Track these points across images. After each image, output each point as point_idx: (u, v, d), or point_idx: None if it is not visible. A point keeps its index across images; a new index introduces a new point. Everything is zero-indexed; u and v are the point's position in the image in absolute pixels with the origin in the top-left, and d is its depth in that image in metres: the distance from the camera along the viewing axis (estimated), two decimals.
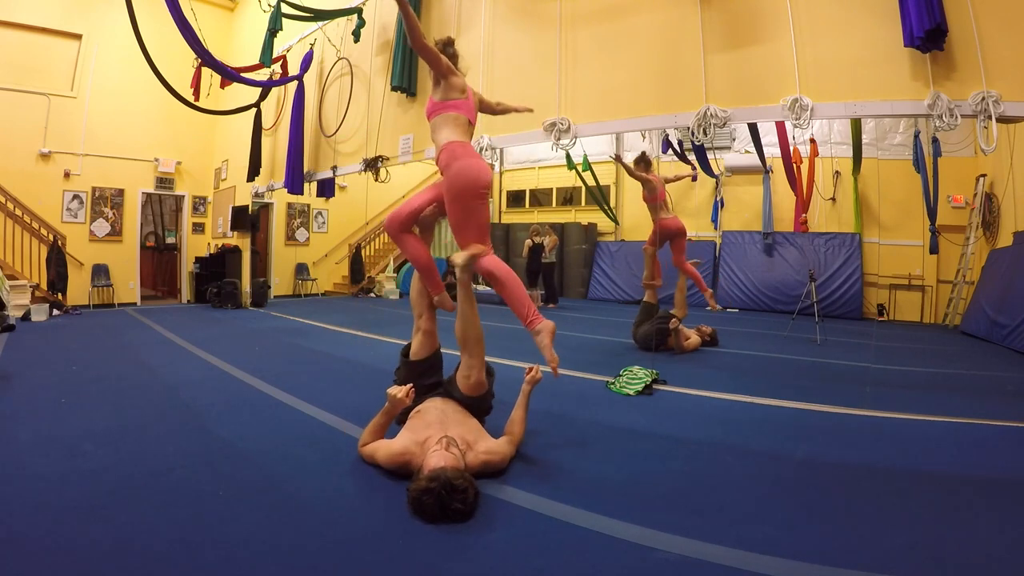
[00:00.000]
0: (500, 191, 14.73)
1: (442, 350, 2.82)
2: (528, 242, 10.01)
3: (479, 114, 2.92)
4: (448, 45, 2.83)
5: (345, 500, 2.04)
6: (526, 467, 2.36)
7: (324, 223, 12.53)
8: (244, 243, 9.63)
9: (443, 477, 1.83)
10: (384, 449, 2.22)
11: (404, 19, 2.57)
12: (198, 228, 10.78)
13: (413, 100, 6.24)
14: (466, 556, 1.65)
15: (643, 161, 5.72)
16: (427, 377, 2.67)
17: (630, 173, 5.70)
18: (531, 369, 2.66)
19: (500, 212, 14.65)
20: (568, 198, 13.42)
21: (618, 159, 5.90)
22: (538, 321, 2.55)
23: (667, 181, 6.03)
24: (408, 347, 2.78)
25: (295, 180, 7.68)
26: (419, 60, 6.11)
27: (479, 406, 2.60)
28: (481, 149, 5.20)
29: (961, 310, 8.20)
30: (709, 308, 6.15)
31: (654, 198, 5.66)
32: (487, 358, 2.71)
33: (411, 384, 2.46)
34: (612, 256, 12.05)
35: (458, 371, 2.60)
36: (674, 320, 5.25)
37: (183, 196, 10.55)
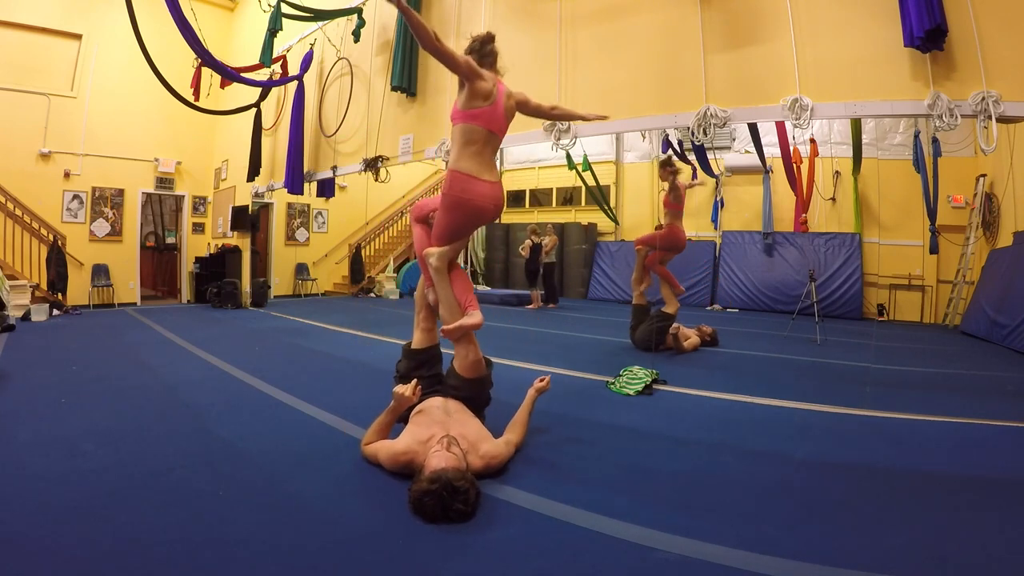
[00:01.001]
0: None
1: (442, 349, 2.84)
2: (528, 241, 10.00)
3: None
4: (486, 43, 2.62)
5: (345, 500, 2.04)
6: (526, 467, 2.36)
7: (324, 223, 12.53)
8: (244, 243, 9.63)
9: (444, 478, 1.83)
10: (386, 450, 2.22)
11: (409, 24, 2.36)
12: (198, 228, 10.78)
13: (413, 100, 6.24)
14: (466, 556, 1.65)
15: (671, 165, 5.69)
16: (427, 368, 2.70)
17: (668, 178, 5.61)
18: (542, 379, 2.67)
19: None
20: (568, 198, 13.42)
21: (668, 163, 5.73)
22: (473, 308, 2.60)
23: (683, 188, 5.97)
24: (410, 343, 2.83)
25: (295, 180, 7.69)
26: (420, 60, 6.11)
27: (479, 394, 2.63)
28: None
29: (961, 310, 8.20)
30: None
31: (679, 205, 5.61)
32: (490, 357, 2.75)
33: (416, 381, 2.47)
34: (612, 256, 12.05)
35: (454, 359, 2.63)
36: (675, 325, 5.23)
37: (183, 196, 10.55)
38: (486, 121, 2.54)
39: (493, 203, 2.61)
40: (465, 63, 2.49)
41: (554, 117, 3.04)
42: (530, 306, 9.85)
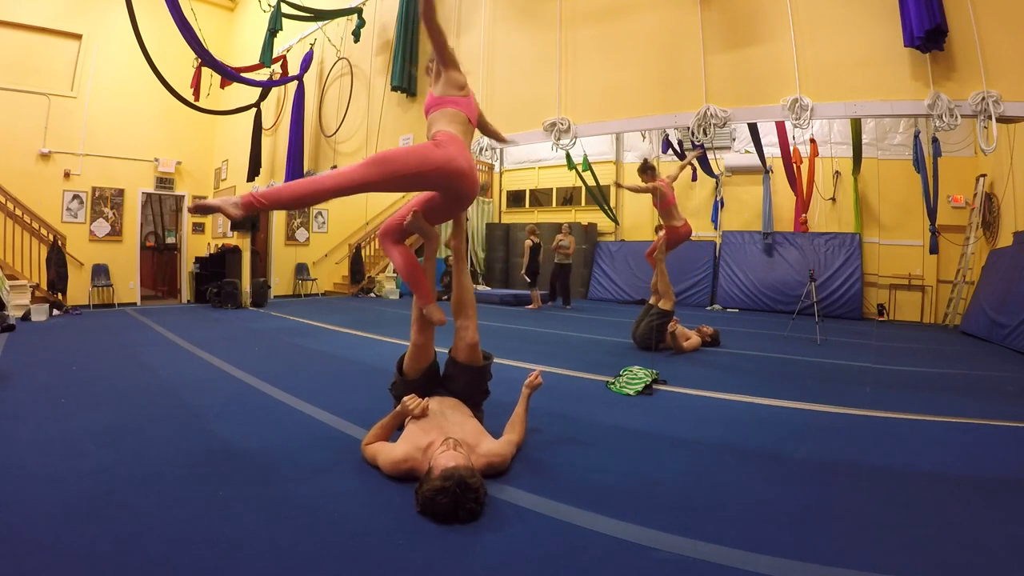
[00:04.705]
0: (500, 191, 14.74)
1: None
2: (528, 242, 9.99)
3: None
4: None
5: (345, 500, 2.04)
6: (526, 467, 2.36)
7: (324, 223, 12.53)
8: (244, 243, 9.63)
9: (457, 476, 1.82)
10: (385, 455, 2.21)
11: None
12: (198, 228, 10.78)
13: (413, 100, 6.24)
14: (466, 556, 1.65)
15: (648, 169, 5.58)
16: (424, 391, 2.59)
17: (638, 190, 5.56)
18: (534, 374, 2.67)
19: (500, 212, 14.67)
20: (568, 198, 13.43)
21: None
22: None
23: (672, 179, 5.96)
24: (403, 359, 2.69)
25: (295, 180, 7.67)
26: (419, 61, 6.11)
27: (477, 385, 2.64)
28: (481, 149, 5.20)
29: (961, 310, 8.20)
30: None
31: (665, 203, 5.54)
32: (491, 352, 2.76)
33: (427, 400, 2.44)
34: (612, 256, 12.05)
35: (454, 343, 2.66)
36: (673, 323, 5.23)
37: (183, 196, 10.55)
38: (465, 108, 2.56)
39: (474, 176, 2.47)
40: (452, 51, 2.56)
41: (488, 132, 3.11)
42: (530, 306, 9.85)
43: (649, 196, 5.92)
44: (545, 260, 10.22)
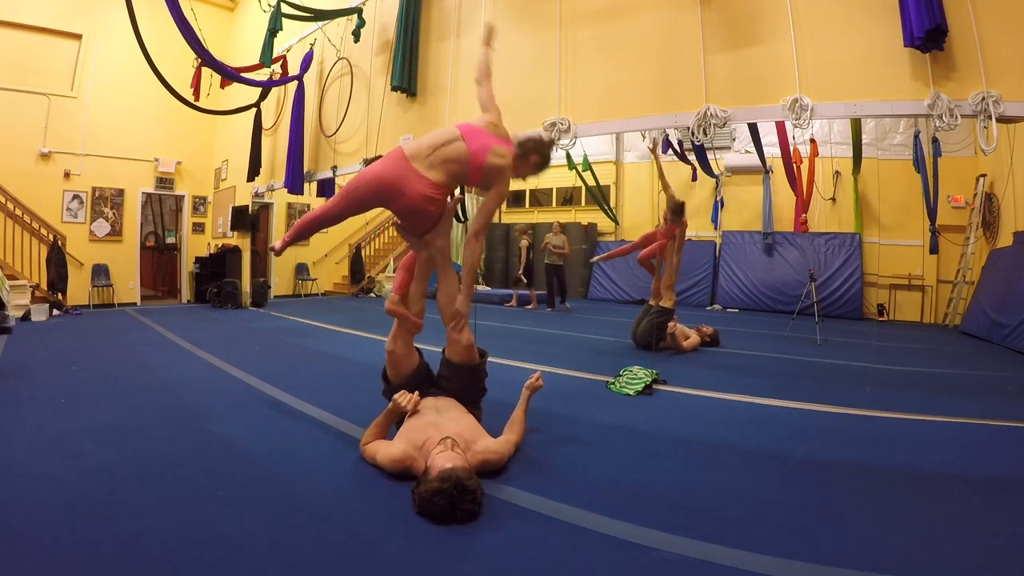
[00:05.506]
0: None
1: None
2: (523, 243, 9.98)
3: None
4: (549, 147, 2.77)
5: (345, 500, 2.04)
6: (526, 467, 2.36)
7: None
8: (244, 243, 9.63)
9: (454, 477, 1.82)
10: (383, 452, 2.22)
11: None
12: (198, 228, 10.78)
13: (413, 100, 6.24)
14: (466, 556, 1.65)
15: (680, 211, 5.47)
16: (416, 391, 2.55)
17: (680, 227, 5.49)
18: (535, 376, 2.67)
19: (500, 212, 14.65)
20: (568, 198, 13.43)
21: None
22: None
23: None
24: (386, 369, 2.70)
25: (295, 180, 7.68)
26: (420, 60, 6.12)
27: (471, 384, 2.62)
28: None
29: (961, 310, 8.21)
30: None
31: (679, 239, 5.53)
32: (493, 359, 2.76)
33: (417, 393, 2.45)
34: None
35: (448, 347, 2.63)
36: (673, 322, 5.23)
37: (183, 196, 10.55)
38: (468, 135, 2.48)
39: (400, 187, 2.38)
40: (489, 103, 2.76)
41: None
42: (528, 306, 9.85)
43: (648, 197, 5.92)
44: (537, 259, 10.20)
